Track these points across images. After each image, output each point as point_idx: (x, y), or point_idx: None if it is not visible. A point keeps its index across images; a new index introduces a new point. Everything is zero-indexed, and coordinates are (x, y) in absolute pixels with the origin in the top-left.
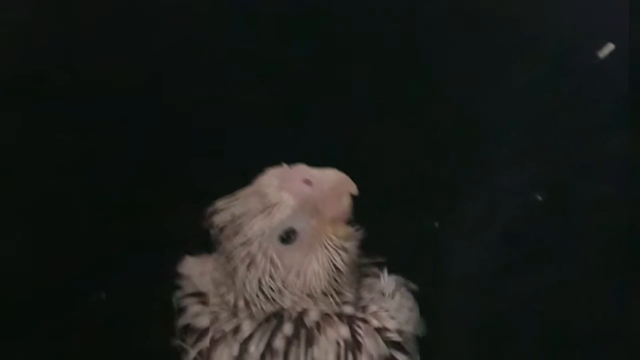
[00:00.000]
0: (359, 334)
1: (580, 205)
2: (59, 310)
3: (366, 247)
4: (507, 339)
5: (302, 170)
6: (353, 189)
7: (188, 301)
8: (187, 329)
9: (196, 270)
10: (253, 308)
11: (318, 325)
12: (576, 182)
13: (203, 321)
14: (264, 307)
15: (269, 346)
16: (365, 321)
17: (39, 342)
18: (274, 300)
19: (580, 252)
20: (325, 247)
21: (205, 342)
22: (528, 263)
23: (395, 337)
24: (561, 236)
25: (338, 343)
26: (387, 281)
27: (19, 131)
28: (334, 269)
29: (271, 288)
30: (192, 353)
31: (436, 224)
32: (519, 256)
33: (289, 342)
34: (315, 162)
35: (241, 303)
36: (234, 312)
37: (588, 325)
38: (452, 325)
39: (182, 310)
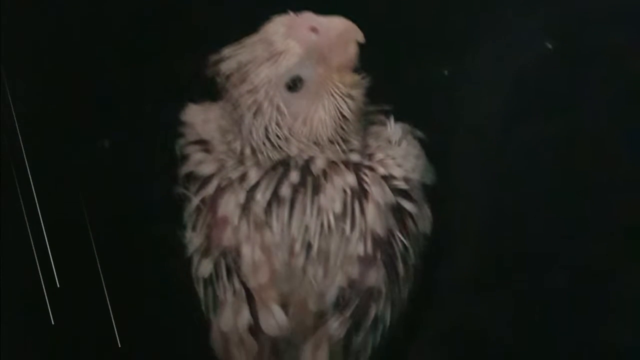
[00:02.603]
0: (366, 182)
1: (592, 53)
2: (63, 158)
3: (373, 95)
4: (515, 186)
5: (309, 17)
6: (360, 36)
7: (191, 149)
8: (190, 176)
9: (199, 118)
10: (259, 156)
11: (324, 172)
12: (587, 30)
13: (206, 169)
14: (270, 154)
15: (275, 194)
16: (371, 169)
17: (43, 188)
18: (280, 148)
19: (591, 101)
20: (332, 95)
21: (209, 190)
22: (537, 112)
23: (401, 184)
24: (571, 85)
25: (344, 191)
26: (393, 129)
27: None
28: (340, 117)
29: (277, 136)
30: (195, 200)
31: (445, 72)
32: (528, 105)
33: (295, 189)
34: (322, 10)
35: (247, 151)
36: (241, 159)
37: (598, 175)
38: (459, 173)
39: (184, 158)
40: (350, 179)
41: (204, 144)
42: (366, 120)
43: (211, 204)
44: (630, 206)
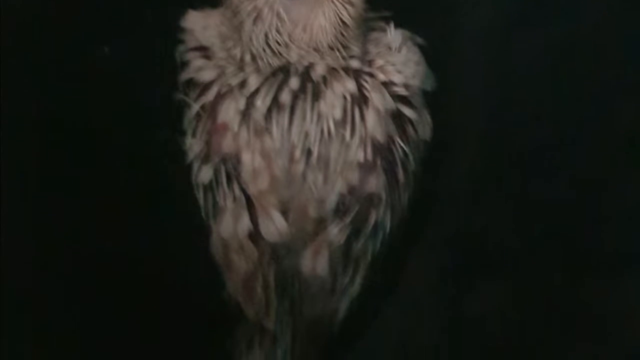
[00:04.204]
0: (366, 88)
1: None
2: (63, 64)
3: (373, 1)
4: (515, 93)
5: None
6: None
7: (191, 55)
8: (190, 83)
9: (199, 24)
10: (259, 62)
11: (325, 79)
12: None
13: (206, 75)
14: (270, 61)
15: (275, 100)
16: (371, 75)
17: (40, 92)
18: (280, 54)
19: (591, 6)
20: (332, 1)
21: (209, 96)
22: (538, 17)
23: (401, 91)
24: None
25: (344, 97)
26: (393, 35)
27: None
28: (340, 23)
29: (277, 42)
30: (195, 107)
31: None
32: (529, 10)
33: (295, 96)
34: None
35: (247, 57)
36: (241, 66)
37: (598, 81)
38: (460, 79)
39: (184, 64)
40: (350, 85)
41: (204, 51)
42: (366, 27)
43: (211, 110)
44: (630, 113)
